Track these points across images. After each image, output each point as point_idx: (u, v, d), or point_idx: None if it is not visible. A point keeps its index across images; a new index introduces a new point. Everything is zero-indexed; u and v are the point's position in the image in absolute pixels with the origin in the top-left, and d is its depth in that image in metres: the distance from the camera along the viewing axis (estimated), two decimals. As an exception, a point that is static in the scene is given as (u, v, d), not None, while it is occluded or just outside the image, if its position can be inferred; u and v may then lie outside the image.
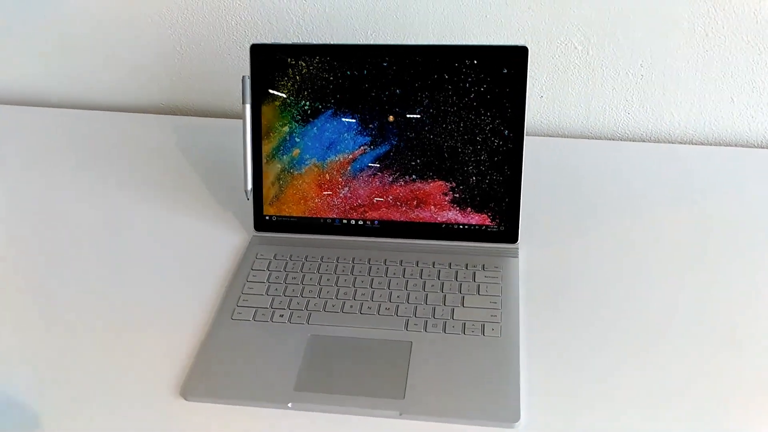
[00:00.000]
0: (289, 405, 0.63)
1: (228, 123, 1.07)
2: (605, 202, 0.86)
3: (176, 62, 1.07)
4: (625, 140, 1.01)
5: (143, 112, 1.11)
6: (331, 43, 0.87)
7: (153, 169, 0.96)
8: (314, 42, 0.99)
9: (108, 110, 1.11)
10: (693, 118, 0.98)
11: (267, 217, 0.82)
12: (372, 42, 0.99)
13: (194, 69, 1.07)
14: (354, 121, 0.79)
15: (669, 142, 1.00)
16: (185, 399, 0.64)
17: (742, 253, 0.78)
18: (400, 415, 0.61)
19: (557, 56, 0.96)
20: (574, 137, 1.02)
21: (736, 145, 0.98)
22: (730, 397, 0.63)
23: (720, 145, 0.99)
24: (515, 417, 0.60)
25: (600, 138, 1.02)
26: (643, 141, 1.01)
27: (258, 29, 1.02)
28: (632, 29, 0.93)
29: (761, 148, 0.98)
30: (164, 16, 1.04)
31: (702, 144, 0.99)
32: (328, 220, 0.81)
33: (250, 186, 0.82)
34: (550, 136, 1.03)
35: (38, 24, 1.08)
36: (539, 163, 0.83)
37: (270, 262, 0.78)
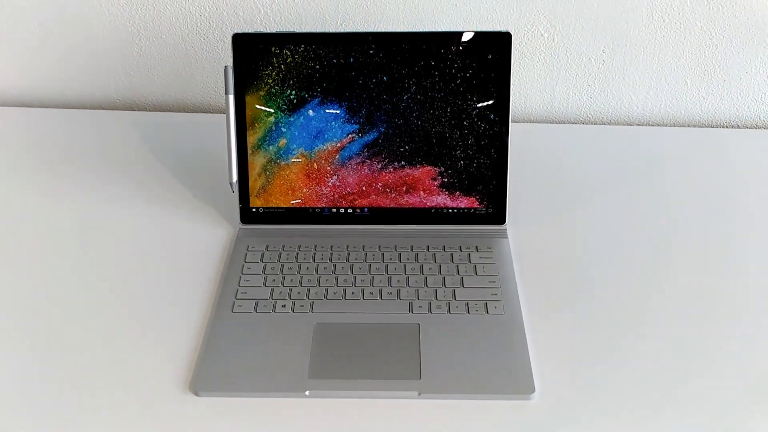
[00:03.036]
0: (307, 393, 0.62)
1: (192, 117, 1.04)
2: (576, 183, 0.90)
3: (135, 55, 1.03)
4: (587, 123, 1.05)
5: (97, 108, 1.07)
6: (315, 31, 0.87)
7: (120, 167, 0.92)
8: (294, 31, 0.98)
9: (61, 107, 1.06)
10: (650, 101, 1.03)
11: (254, 209, 0.81)
12: (342, 30, 0.98)
13: (154, 62, 1.04)
14: (341, 109, 0.79)
15: (628, 125, 1.05)
16: (196, 395, 0.63)
17: (701, 217, 0.85)
18: (419, 395, 0.62)
19: (524, 43, 0.99)
20: (538, 122, 1.05)
21: (688, 126, 1.04)
22: (724, 345, 0.67)
23: (674, 126, 1.04)
24: (530, 389, 0.62)
25: (563, 122, 1.05)
26: (604, 124, 1.05)
27: (223, 20, 1.00)
28: (595, 16, 0.97)
29: (710, 127, 1.04)
30: (122, 7, 1.00)
31: (658, 125, 1.04)
32: (317, 210, 0.81)
33: (235, 178, 0.80)
34: (515, 122, 1.05)
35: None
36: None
37: (263, 254, 0.77)
